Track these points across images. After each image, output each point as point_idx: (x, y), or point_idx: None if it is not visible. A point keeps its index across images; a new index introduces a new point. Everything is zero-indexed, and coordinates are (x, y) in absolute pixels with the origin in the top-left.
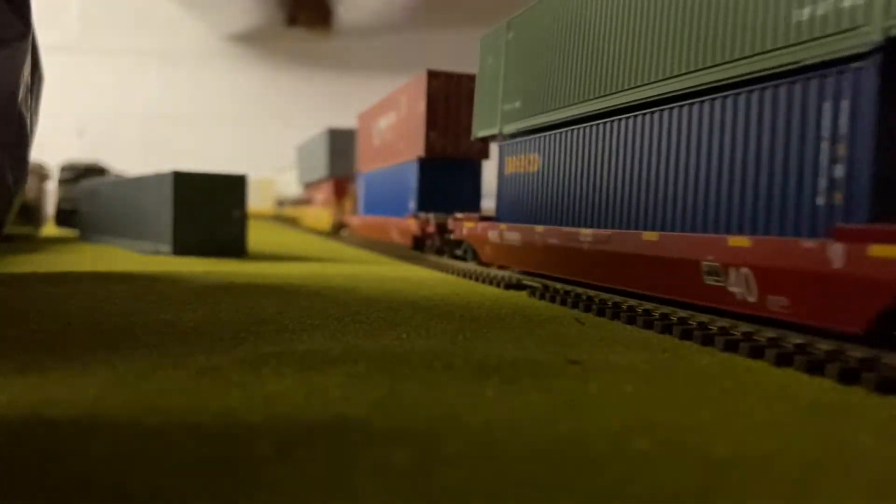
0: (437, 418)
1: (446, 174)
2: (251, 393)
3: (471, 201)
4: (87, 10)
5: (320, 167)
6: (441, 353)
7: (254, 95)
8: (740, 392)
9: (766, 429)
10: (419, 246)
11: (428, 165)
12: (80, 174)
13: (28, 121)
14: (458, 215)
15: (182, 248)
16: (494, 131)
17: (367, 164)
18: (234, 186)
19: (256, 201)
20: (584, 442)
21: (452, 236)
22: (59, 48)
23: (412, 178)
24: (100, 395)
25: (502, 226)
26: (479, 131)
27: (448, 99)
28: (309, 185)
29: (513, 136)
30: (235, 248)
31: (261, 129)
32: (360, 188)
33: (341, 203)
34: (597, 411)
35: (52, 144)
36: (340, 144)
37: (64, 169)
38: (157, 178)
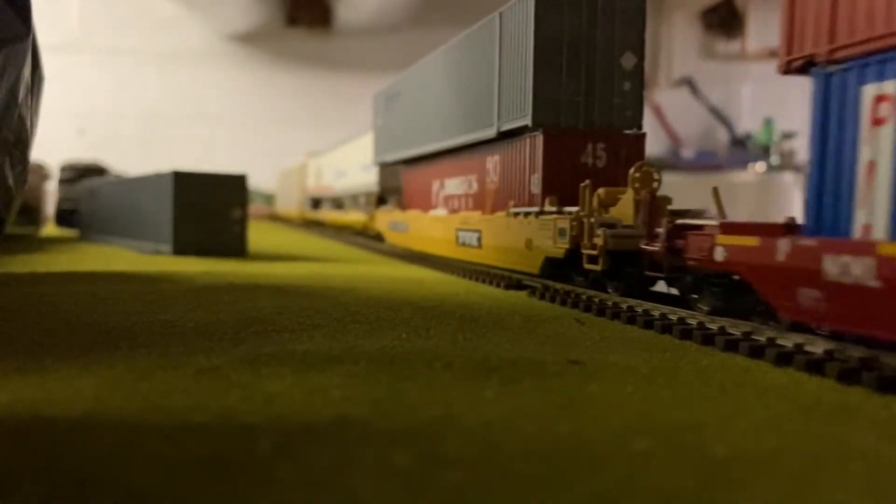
0: (437, 418)
1: None
2: (251, 393)
3: None
4: (87, 10)
5: (482, 113)
6: (441, 354)
7: (254, 95)
8: (740, 392)
9: (766, 428)
10: None
11: None
12: (80, 174)
13: (28, 121)
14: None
15: (182, 247)
16: None
17: None
18: (234, 186)
19: (284, 199)
20: (584, 442)
21: None
22: (59, 48)
23: None
24: (100, 395)
25: None
26: None
27: None
28: (413, 164)
29: None
30: (235, 248)
31: (261, 128)
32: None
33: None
34: (597, 411)
35: (52, 144)
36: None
37: (64, 169)
38: (157, 178)
